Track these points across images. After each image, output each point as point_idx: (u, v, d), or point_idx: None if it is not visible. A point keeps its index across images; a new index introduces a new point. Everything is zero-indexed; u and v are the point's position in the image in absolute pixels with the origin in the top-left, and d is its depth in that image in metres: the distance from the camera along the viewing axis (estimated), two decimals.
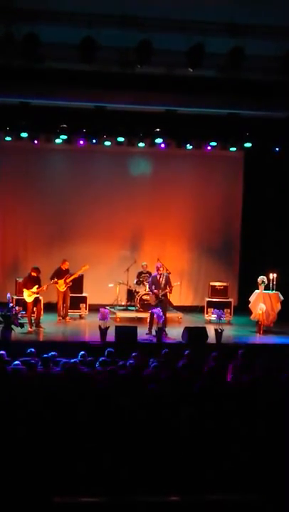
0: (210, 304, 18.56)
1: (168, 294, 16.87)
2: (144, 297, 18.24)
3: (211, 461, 7.60)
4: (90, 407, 8.50)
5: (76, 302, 18.44)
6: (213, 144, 18.61)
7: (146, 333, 16.25)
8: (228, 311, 18.43)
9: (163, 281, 16.66)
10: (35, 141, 18.12)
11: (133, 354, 12.18)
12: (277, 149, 18.40)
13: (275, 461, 7.61)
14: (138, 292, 18.69)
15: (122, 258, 19.88)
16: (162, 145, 18.46)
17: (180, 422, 8.07)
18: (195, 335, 15.37)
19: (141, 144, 18.39)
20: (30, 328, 16.43)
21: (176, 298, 19.41)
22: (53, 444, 7.71)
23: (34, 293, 16.74)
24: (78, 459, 7.62)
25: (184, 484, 7.34)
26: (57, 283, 17.62)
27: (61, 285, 17.72)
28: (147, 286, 18.01)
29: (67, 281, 17.79)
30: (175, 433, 7.91)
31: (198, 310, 19.50)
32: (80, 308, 18.56)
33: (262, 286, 17.37)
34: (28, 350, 12.21)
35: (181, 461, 7.58)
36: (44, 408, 8.39)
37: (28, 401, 8.70)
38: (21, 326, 15.38)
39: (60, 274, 17.75)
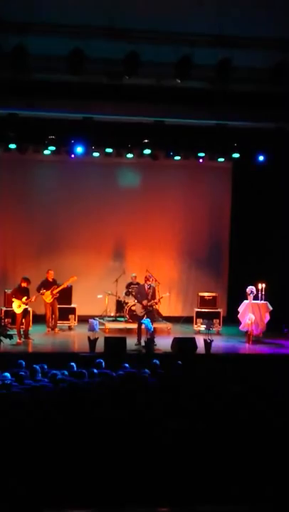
0: (199, 315, 18.57)
1: (155, 304, 16.88)
2: (133, 308, 18.22)
3: (202, 471, 7.58)
4: (78, 418, 8.47)
5: (65, 313, 18.40)
6: (202, 154, 18.65)
7: (136, 344, 16.24)
8: (217, 321, 18.45)
9: (150, 292, 16.65)
10: (24, 153, 18.08)
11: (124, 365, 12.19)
12: (265, 160, 18.46)
13: (268, 472, 7.61)
14: (127, 303, 18.68)
15: (110, 269, 19.87)
16: (151, 156, 18.48)
17: (170, 433, 8.05)
18: (184, 345, 15.37)
19: (129, 155, 18.43)
20: (19, 339, 16.39)
21: (165, 308, 19.42)
22: (42, 456, 7.67)
23: (23, 303, 16.69)
24: (67, 471, 7.58)
25: (175, 496, 7.32)
26: (43, 294, 17.57)
27: (48, 296, 17.66)
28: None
29: (54, 292, 17.74)
30: (165, 444, 7.89)
31: (181, 321, 19.53)
32: (69, 319, 18.52)
33: (251, 297, 17.39)
34: (17, 362, 12.19)
35: (172, 472, 7.56)
36: (33, 420, 8.35)
37: (17, 413, 8.66)
38: (10, 337, 15.32)
39: (46, 285, 17.70)
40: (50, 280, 17.82)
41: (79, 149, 17.87)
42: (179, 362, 12.76)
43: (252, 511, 6.10)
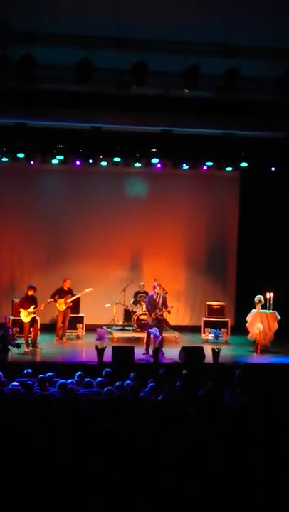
0: (207, 324, 18.53)
1: (165, 314, 16.89)
2: (141, 317, 18.23)
3: (209, 483, 7.56)
4: (86, 427, 8.46)
5: (73, 322, 18.40)
6: (209, 164, 18.70)
7: (144, 353, 16.22)
8: (225, 330, 18.42)
9: (160, 301, 16.66)
10: (32, 162, 18.17)
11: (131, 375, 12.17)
12: (273, 169, 18.48)
13: (274, 482, 7.58)
14: (135, 312, 18.67)
15: (118, 278, 19.87)
16: (158, 165, 18.51)
17: (177, 444, 8.03)
18: (192, 355, 15.35)
19: (137, 164, 18.46)
20: (27, 348, 16.39)
21: (173, 318, 19.39)
22: (48, 467, 7.66)
23: (31, 313, 16.70)
24: (74, 479, 7.57)
25: (181, 507, 7.31)
26: (56, 301, 17.59)
27: (61, 304, 17.69)
28: (144, 306, 17.99)
29: (68, 301, 17.76)
30: (172, 455, 7.88)
31: (189, 329, 19.54)
32: (76, 329, 18.53)
33: (259, 306, 17.36)
34: (25, 371, 12.19)
35: (178, 483, 7.54)
36: (40, 430, 8.34)
37: (24, 422, 8.65)
38: (18, 346, 15.34)
39: (61, 293, 17.73)
40: (66, 289, 17.84)
41: (90, 161, 18.04)
42: (184, 371, 12.73)
43: None
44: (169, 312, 16.98)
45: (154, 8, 11.80)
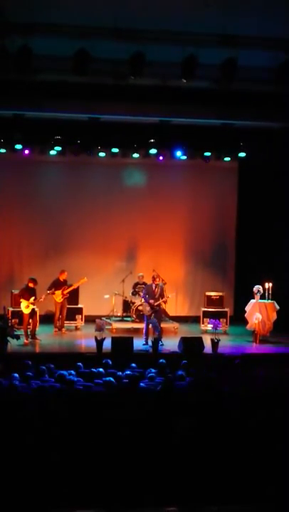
0: (206, 314, 18.55)
1: (162, 304, 16.88)
2: (140, 308, 18.23)
3: (209, 472, 7.58)
4: (85, 418, 8.48)
5: (72, 313, 18.41)
6: (208, 154, 18.66)
7: (143, 344, 16.24)
8: (224, 320, 18.42)
9: (158, 292, 16.66)
10: (27, 152, 18.10)
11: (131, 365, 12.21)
12: (271, 159, 18.46)
13: (274, 472, 7.60)
14: (134, 303, 18.68)
15: (117, 269, 19.88)
16: (157, 156, 18.49)
17: (177, 434, 8.05)
18: (191, 345, 15.35)
19: (135, 155, 18.44)
20: (26, 340, 16.40)
21: (172, 308, 19.41)
22: (49, 457, 7.67)
23: (31, 303, 16.70)
24: (75, 471, 7.59)
25: (182, 496, 7.32)
26: (54, 294, 17.61)
27: (58, 296, 17.69)
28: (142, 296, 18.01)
29: (65, 292, 17.77)
30: (172, 444, 7.89)
31: (191, 320, 19.54)
32: (76, 320, 18.53)
33: (257, 296, 17.37)
34: (25, 362, 12.20)
35: (179, 472, 7.56)
36: (40, 421, 8.35)
37: (24, 414, 8.67)
38: (17, 337, 15.34)
39: (57, 285, 17.74)
40: (62, 280, 17.85)
41: (88, 152, 18.06)
42: (184, 361, 12.75)
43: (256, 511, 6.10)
44: (165, 302, 16.98)
45: None
